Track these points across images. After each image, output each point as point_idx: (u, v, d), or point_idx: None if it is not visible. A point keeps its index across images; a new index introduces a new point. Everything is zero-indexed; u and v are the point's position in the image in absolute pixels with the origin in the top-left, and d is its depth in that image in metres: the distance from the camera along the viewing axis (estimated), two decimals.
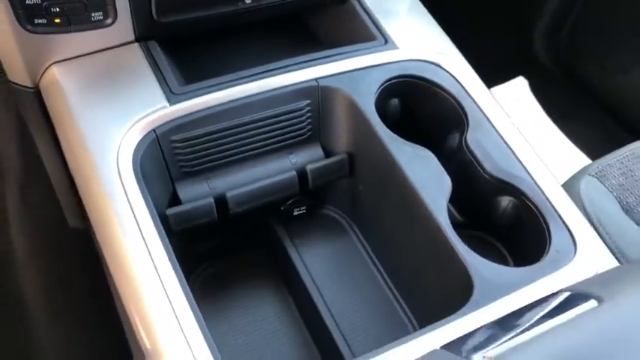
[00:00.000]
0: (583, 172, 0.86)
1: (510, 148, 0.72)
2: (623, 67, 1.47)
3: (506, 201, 0.70)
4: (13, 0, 0.64)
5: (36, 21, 0.66)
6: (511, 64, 1.72)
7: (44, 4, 0.65)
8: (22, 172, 1.19)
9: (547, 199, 0.68)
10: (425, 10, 0.88)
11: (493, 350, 0.44)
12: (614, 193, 0.83)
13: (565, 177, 0.87)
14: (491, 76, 1.66)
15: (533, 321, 0.47)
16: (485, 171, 0.70)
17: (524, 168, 0.70)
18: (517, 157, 0.71)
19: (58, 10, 0.66)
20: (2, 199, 1.24)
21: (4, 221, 1.22)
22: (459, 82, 0.77)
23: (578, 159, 1.55)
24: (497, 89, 1.69)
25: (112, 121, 0.66)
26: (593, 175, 0.84)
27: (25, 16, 0.65)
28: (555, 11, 1.54)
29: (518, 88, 1.72)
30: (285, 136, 0.75)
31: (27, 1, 0.64)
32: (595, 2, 1.45)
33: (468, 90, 0.77)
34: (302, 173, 0.74)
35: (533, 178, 0.70)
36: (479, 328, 0.53)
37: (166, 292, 0.57)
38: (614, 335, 0.43)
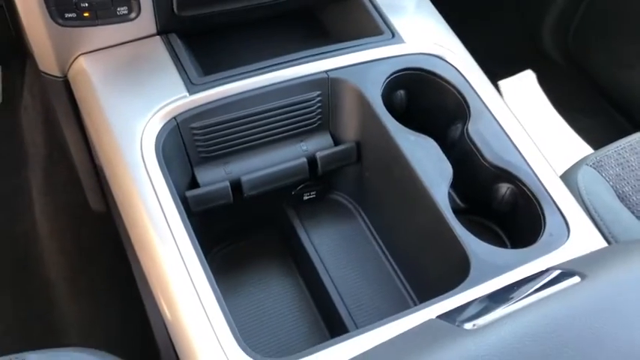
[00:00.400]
0: (581, 162, 0.90)
1: (509, 138, 0.76)
2: (630, 61, 1.49)
3: (504, 188, 0.74)
4: None
5: (66, 15, 0.71)
6: (519, 58, 1.74)
7: None
8: (45, 157, 1.25)
9: (543, 185, 0.72)
10: (432, 6, 0.91)
11: (482, 319, 0.48)
12: (611, 183, 0.87)
13: (564, 164, 0.91)
14: (500, 70, 1.69)
15: (521, 295, 0.52)
16: (485, 159, 0.74)
17: (522, 157, 0.74)
18: (516, 146, 0.75)
19: (86, 5, 0.70)
20: (26, 183, 1.29)
21: (28, 204, 1.28)
22: (462, 75, 0.81)
23: (583, 151, 1.57)
24: (505, 82, 1.72)
25: (136, 109, 0.71)
26: (590, 165, 0.88)
27: (57, 10, 0.70)
28: (563, 5, 1.56)
29: (526, 81, 1.74)
30: (297, 124, 0.79)
31: None
32: None
33: (471, 82, 0.80)
34: (312, 160, 0.79)
35: (530, 166, 0.74)
36: (472, 301, 0.58)
37: (187, 268, 0.62)
38: (591, 306, 0.47)
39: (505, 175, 0.73)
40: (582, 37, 1.57)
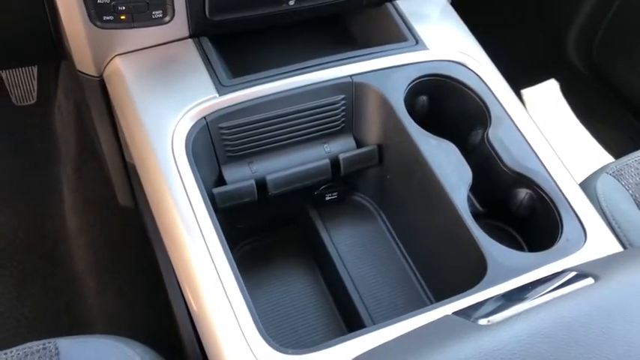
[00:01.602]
0: (601, 170, 0.90)
1: (529, 145, 0.77)
2: None
3: (522, 193, 0.76)
4: (86, 0, 0.72)
5: (104, 17, 0.74)
6: (543, 67, 1.75)
7: (112, 3, 0.73)
8: (76, 155, 1.29)
9: (561, 191, 0.73)
10: (455, 14, 0.93)
11: (497, 316, 0.50)
12: (630, 191, 0.87)
13: (584, 171, 0.92)
14: (524, 78, 1.70)
15: (535, 294, 0.53)
16: (505, 164, 0.75)
17: (542, 163, 0.76)
18: (535, 152, 0.77)
19: (124, 8, 0.74)
20: (58, 179, 1.34)
21: (58, 200, 1.32)
22: (483, 82, 0.82)
23: (604, 160, 1.57)
24: (529, 91, 1.72)
25: (168, 109, 0.74)
26: (610, 174, 0.89)
27: (96, 13, 0.73)
28: (588, 15, 1.56)
29: (550, 90, 1.74)
30: (321, 126, 0.81)
31: (98, 1, 0.72)
32: (628, 7, 1.47)
33: (492, 89, 0.82)
34: (335, 161, 0.81)
35: (549, 173, 0.75)
36: (487, 299, 0.60)
37: (213, 261, 0.64)
38: (603, 307, 0.48)
39: (524, 180, 0.75)
40: (607, 47, 1.57)
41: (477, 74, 0.83)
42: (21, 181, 1.34)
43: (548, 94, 1.74)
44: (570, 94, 1.76)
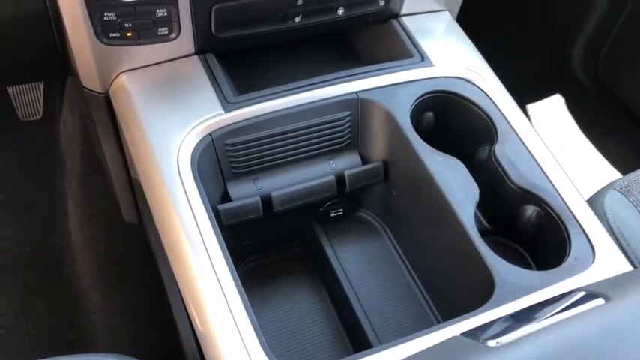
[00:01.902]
0: (609, 187, 0.90)
1: (536, 161, 0.77)
2: None
3: (530, 210, 0.75)
4: (93, 17, 0.72)
5: (111, 35, 0.74)
6: (548, 82, 1.75)
7: (118, 20, 0.73)
8: (81, 170, 1.29)
9: (569, 208, 0.73)
10: (460, 30, 0.93)
11: (506, 337, 0.49)
12: (638, 208, 0.87)
13: (591, 188, 0.91)
14: (529, 93, 1.70)
15: (544, 314, 0.53)
16: (512, 181, 0.75)
17: (549, 179, 0.75)
18: (542, 169, 0.76)
19: (130, 25, 0.74)
20: (62, 194, 1.34)
21: (63, 215, 1.32)
22: (489, 98, 0.82)
23: (611, 176, 1.56)
24: (534, 106, 1.72)
25: (174, 125, 0.74)
26: (617, 190, 0.88)
27: (102, 30, 0.74)
28: (592, 29, 1.56)
29: (555, 105, 1.74)
30: (327, 143, 0.81)
31: (105, 18, 0.72)
32: (633, 21, 1.47)
33: (498, 105, 0.82)
34: (340, 178, 0.81)
35: (556, 189, 0.74)
36: (495, 320, 0.59)
37: (218, 278, 0.64)
38: (614, 329, 0.48)
39: (531, 197, 0.74)
40: (612, 62, 1.57)
41: (483, 90, 0.83)
42: (26, 196, 1.35)
43: (553, 109, 1.74)
44: (576, 108, 1.76)
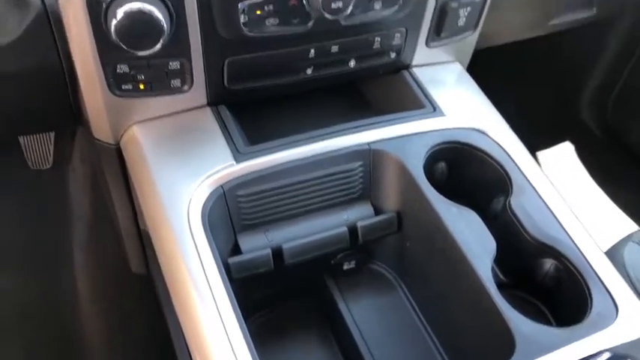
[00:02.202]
0: (627, 239, 0.88)
1: (553, 213, 0.75)
2: None
3: (548, 263, 0.73)
4: (106, 69, 0.72)
5: (123, 87, 0.74)
6: (557, 129, 1.75)
7: (131, 72, 0.73)
8: (90, 219, 1.28)
9: (588, 262, 0.71)
10: (472, 80, 0.94)
11: None
12: None
13: (613, 243, 0.89)
14: (538, 140, 1.69)
15: None
16: (529, 234, 0.73)
17: (566, 232, 0.74)
18: (559, 221, 0.75)
19: (143, 77, 0.74)
20: (68, 243, 1.33)
21: (69, 264, 1.30)
22: (503, 149, 0.82)
23: (625, 225, 1.54)
24: (544, 154, 1.72)
25: (185, 177, 0.73)
26: (636, 242, 0.87)
27: (115, 82, 0.74)
28: (601, 76, 1.57)
29: (565, 153, 1.73)
30: (339, 194, 0.80)
31: (118, 70, 0.73)
32: None
33: (512, 156, 0.81)
34: (353, 229, 0.79)
35: (574, 242, 0.73)
36: None
37: (227, 333, 0.62)
38: None
39: (549, 250, 0.72)
40: (622, 108, 1.57)
41: (496, 142, 0.82)
42: (32, 246, 1.33)
43: (563, 156, 1.73)
44: (586, 155, 1.75)
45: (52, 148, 1.27)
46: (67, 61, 0.75)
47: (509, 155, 0.81)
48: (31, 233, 1.34)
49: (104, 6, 0.66)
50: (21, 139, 1.19)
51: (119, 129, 0.80)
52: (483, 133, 0.83)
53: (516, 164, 0.80)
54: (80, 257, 1.28)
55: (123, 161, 0.83)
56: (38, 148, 1.25)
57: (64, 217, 1.33)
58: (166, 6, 0.68)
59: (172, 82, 0.76)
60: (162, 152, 0.77)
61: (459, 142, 0.81)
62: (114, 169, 0.86)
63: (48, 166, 1.30)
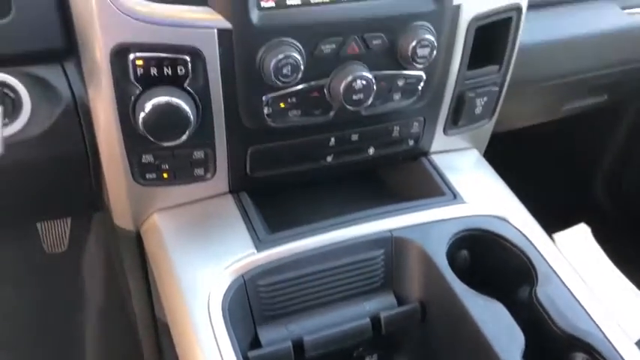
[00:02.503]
0: None
1: (580, 303, 0.74)
2: None
3: (579, 358, 0.70)
4: (131, 159, 0.73)
5: (147, 176, 0.75)
6: (572, 209, 1.74)
7: (156, 162, 0.74)
8: (103, 305, 1.27)
9: (620, 355, 0.68)
10: (489, 167, 0.94)
11: None
12: None
13: (636, 328, 0.87)
14: (553, 223, 1.68)
15: None
16: (558, 326, 0.71)
17: (595, 323, 0.72)
18: (587, 311, 0.73)
19: (167, 166, 0.75)
20: (81, 328, 1.30)
21: (80, 350, 1.27)
22: (525, 236, 0.81)
23: None
24: (560, 235, 1.70)
25: (206, 266, 0.73)
26: None
27: (139, 172, 0.75)
28: (614, 158, 1.58)
29: (581, 234, 1.72)
30: (360, 283, 0.79)
31: (143, 160, 0.74)
32: None
33: (535, 243, 0.80)
34: (375, 320, 0.77)
35: (604, 334, 0.70)
36: None
37: None
38: None
39: (579, 343, 0.70)
40: (635, 187, 1.57)
41: (517, 228, 0.82)
42: (43, 330, 1.31)
43: (580, 238, 1.72)
44: (601, 236, 1.74)
45: (67, 231, 1.27)
46: (93, 151, 0.77)
47: (531, 243, 0.80)
48: (44, 317, 1.32)
49: (133, 99, 0.68)
50: (38, 224, 1.20)
51: (140, 217, 0.80)
52: (504, 220, 0.83)
53: (539, 252, 0.79)
54: (92, 344, 1.25)
55: (142, 248, 0.83)
56: (54, 232, 1.25)
57: (77, 302, 1.31)
58: (193, 98, 0.70)
59: (196, 170, 0.77)
60: (183, 241, 0.76)
61: (481, 230, 0.81)
62: (133, 257, 0.85)
63: (63, 249, 1.30)
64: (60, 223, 1.23)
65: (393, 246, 0.79)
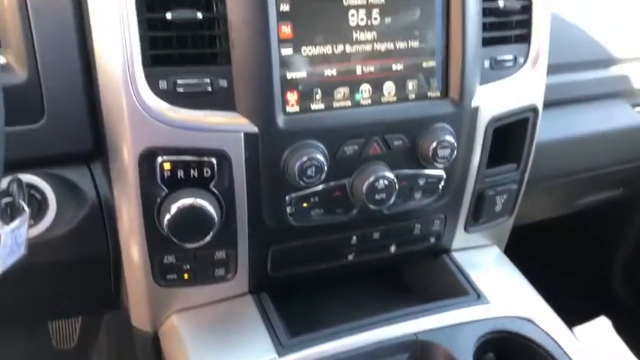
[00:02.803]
0: None
1: None
2: None
3: None
4: (153, 260, 0.73)
5: (168, 277, 0.74)
6: (591, 302, 1.70)
7: (178, 262, 0.74)
8: None
9: None
10: (510, 264, 0.93)
11: None
12: None
13: None
14: (573, 316, 1.64)
15: None
16: None
17: None
18: None
19: (188, 267, 0.74)
20: None
21: None
22: (552, 338, 0.79)
23: None
24: (580, 329, 1.66)
25: None
26: None
27: (160, 273, 0.74)
28: (630, 250, 1.56)
29: (602, 327, 1.67)
30: None
31: (165, 261, 0.73)
32: None
33: (562, 345, 0.78)
34: None
35: None
36: None
37: None
38: None
39: None
40: None
41: (544, 330, 0.80)
42: None
43: (601, 332, 1.67)
44: (623, 330, 1.69)
45: (78, 328, 1.24)
46: (115, 252, 0.76)
47: (558, 344, 0.78)
48: None
49: (159, 201, 0.69)
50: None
51: (159, 318, 0.79)
52: (530, 320, 0.81)
53: (567, 354, 0.77)
54: None
55: (158, 349, 0.81)
56: (64, 328, 1.22)
57: None
58: (217, 199, 0.70)
59: (217, 271, 0.76)
60: (203, 344, 0.74)
61: (507, 332, 0.79)
62: (148, 357, 0.83)
63: (72, 345, 1.27)
64: (70, 320, 1.21)
65: (419, 349, 0.76)
